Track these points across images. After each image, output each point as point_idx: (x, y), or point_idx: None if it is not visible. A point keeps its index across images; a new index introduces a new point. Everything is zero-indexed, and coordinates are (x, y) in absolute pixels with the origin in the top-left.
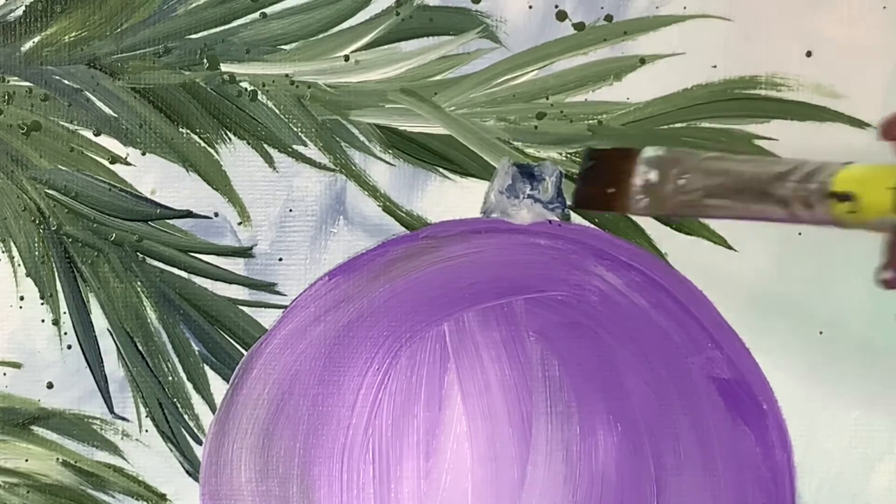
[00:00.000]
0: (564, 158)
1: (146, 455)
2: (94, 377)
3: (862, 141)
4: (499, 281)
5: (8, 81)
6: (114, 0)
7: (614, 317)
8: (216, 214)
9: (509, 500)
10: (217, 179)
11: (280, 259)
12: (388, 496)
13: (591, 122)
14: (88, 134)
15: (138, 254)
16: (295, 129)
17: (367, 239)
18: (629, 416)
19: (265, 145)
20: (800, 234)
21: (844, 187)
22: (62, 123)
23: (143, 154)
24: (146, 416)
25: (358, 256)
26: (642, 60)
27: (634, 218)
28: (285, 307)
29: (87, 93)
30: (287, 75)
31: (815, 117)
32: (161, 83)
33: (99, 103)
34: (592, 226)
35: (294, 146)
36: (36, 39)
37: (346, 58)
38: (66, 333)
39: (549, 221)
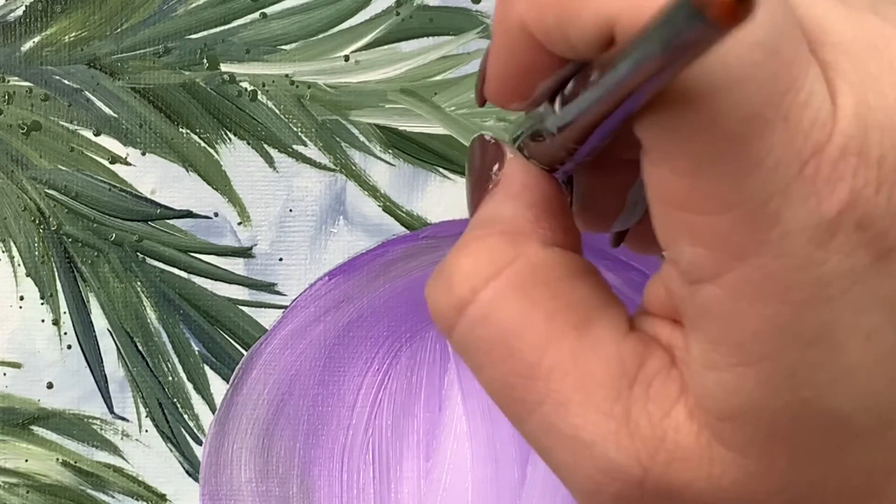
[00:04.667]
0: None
1: (146, 455)
2: (94, 377)
3: None
4: None
5: (8, 81)
6: (114, 0)
7: None
8: (216, 214)
9: (509, 500)
10: (217, 179)
11: (280, 259)
12: (388, 496)
13: None
14: (88, 134)
15: (138, 254)
16: (295, 129)
17: (367, 239)
18: None
19: (265, 145)
20: None
21: None
22: (62, 123)
23: (143, 154)
24: (146, 416)
25: (358, 256)
26: None
27: None
28: (285, 307)
29: (87, 93)
30: (287, 75)
31: None
32: (161, 83)
33: (99, 103)
34: None
35: (294, 146)
36: (36, 39)
37: (346, 58)
38: (66, 333)
39: None
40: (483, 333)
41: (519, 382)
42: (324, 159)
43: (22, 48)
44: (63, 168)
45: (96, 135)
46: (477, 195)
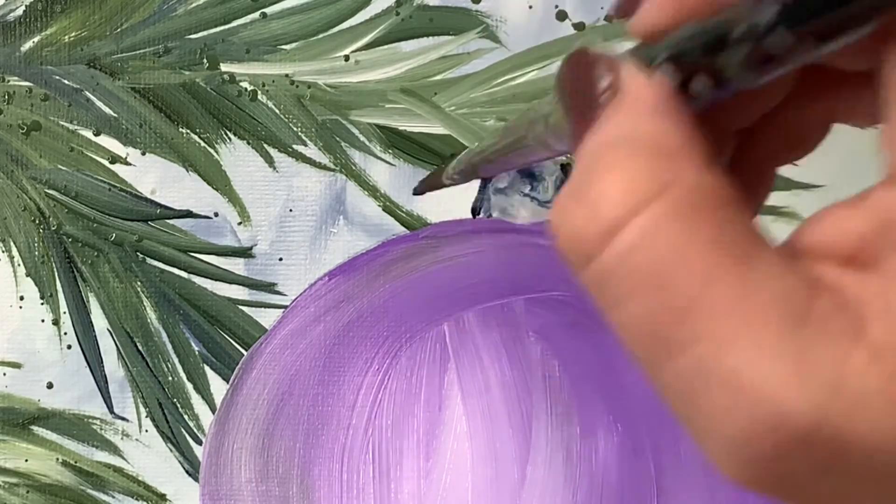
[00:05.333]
0: (564, 158)
1: (146, 455)
2: (94, 377)
3: None
4: (499, 281)
5: (8, 81)
6: (114, 0)
7: None
8: (216, 214)
9: (509, 500)
10: (217, 179)
11: (280, 259)
12: (388, 496)
13: None
14: (88, 134)
15: (138, 254)
16: (295, 129)
17: (367, 239)
18: (629, 416)
19: (265, 145)
20: None
21: None
22: (62, 123)
23: (143, 154)
24: (146, 416)
25: (358, 256)
26: None
27: None
28: (285, 307)
29: (87, 93)
30: (287, 75)
31: None
32: (161, 83)
33: (99, 103)
34: None
35: (294, 146)
36: (36, 39)
37: (346, 58)
38: (66, 333)
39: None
40: (634, 263)
41: (671, 319)
42: (324, 159)
43: (22, 48)
44: (63, 168)
45: (96, 135)
46: (584, 117)
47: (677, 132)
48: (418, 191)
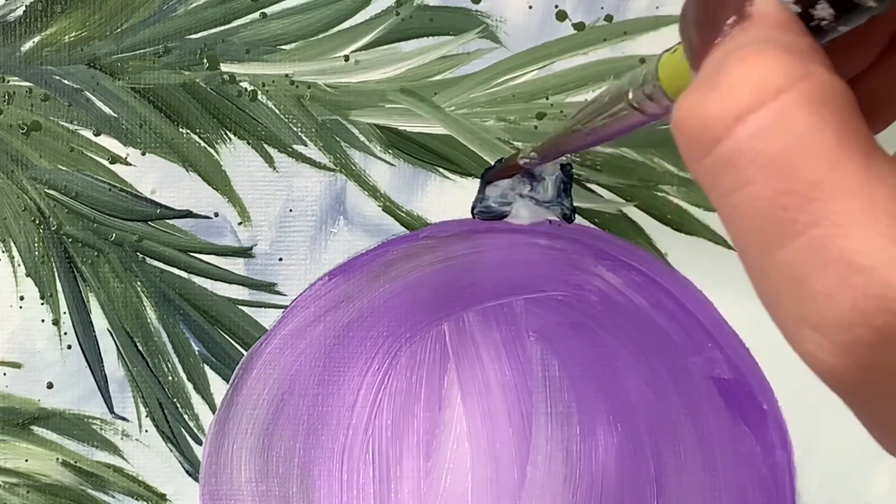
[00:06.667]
0: (565, 158)
1: (146, 455)
2: (94, 377)
3: None
4: (499, 281)
5: (8, 81)
6: (114, 0)
7: (614, 317)
8: (216, 214)
9: (509, 500)
10: (217, 179)
11: (280, 259)
12: (388, 496)
13: None
14: (88, 134)
15: (138, 254)
16: (295, 129)
17: (367, 239)
18: (629, 416)
19: (265, 145)
20: None
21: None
22: (62, 123)
23: (143, 154)
24: (146, 416)
25: (358, 256)
26: (642, 60)
27: (634, 218)
28: (285, 307)
29: (87, 93)
30: (287, 75)
31: None
32: (161, 83)
33: (99, 103)
34: (592, 226)
35: (294, 146)
36: (36, 39)
37: (346, 58)
38: (66, 333)
39: (549, 221)
40: (762, 146)
41: (792, 201)
42: (324, 159)
43: (22, 48)
44: (63, 168)
45: (96, 135)
46: (711, 41)
47: (806, 42)
48: (488, 179)
